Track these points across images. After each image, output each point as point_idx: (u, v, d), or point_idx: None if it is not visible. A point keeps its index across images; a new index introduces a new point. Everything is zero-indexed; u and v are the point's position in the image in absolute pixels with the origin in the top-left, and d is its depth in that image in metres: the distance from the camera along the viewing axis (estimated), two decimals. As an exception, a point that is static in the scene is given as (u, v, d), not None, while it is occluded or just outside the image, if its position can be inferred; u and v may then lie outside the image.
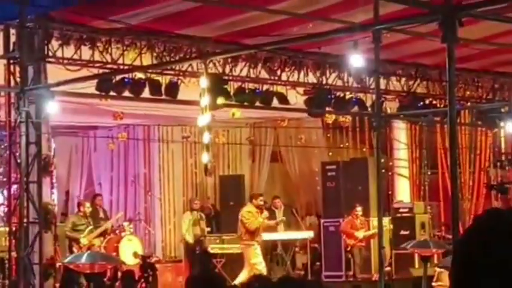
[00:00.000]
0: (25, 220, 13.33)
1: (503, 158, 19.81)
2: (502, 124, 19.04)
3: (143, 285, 13.79)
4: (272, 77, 16.45)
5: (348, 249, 19.96)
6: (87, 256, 11.75)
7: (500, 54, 17.10)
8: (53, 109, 13.30)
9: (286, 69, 16.61)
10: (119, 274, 17.13)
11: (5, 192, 15.30)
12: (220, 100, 13.97)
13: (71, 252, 17.09)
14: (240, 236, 19.04)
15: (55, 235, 14.74)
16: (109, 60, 14.44)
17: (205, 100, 12.98)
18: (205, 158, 13.93)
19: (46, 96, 13.05)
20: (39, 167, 13.50)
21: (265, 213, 19.28)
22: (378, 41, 12.13)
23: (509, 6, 9.87)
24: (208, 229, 21.19)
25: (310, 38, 13.44)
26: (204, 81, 13.17)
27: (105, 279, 13.66)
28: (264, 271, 18.65)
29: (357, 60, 14.02)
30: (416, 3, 9.48)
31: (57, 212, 20.49)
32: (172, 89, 15.00)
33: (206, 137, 13.65)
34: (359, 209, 19.69)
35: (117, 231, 19.24)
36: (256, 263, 18.78)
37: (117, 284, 12.76)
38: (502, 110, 18.85)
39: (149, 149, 22.64)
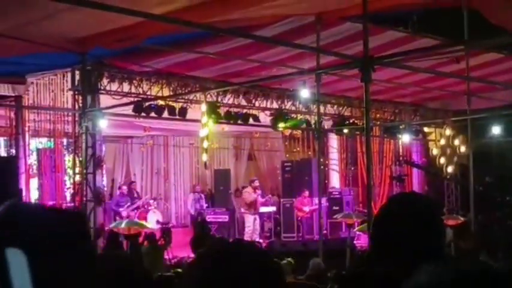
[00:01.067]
0: (84, 199, 13.29)
1: (400, 158, 19.90)
2: (400, 136, 19.12)
3: (162, 242, 13.69)
4: (249, 104, 16.42)
5: (299, 218, 19.97)
6: (126, 223, 11.69)
7: (399, 90, 17.18)
8: (103, 125, 13.24)
9: (259, 99, 16.59)
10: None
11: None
12: (214, 120, 13.94)
13: (115, 220, 17.03)
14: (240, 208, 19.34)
15: (104, 209, 14.65)
16: (141, 92, 14.38)
17: (204, 119, 12.96)
18: (204, 157, 13.94)
19: (99, 116, 13.02)
20: (94, 163, 13.43)
21: (259, 191, 19.48)
22: (319, 80, 12.18)
23: (406, 59, 9.96)
24: (206, 205, 21.15)
25: (273, 78, 13.44)
26: (203, 107, 13.16)
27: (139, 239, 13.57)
28: (249, 234, 18.80)
29: (304, 93, 14.10)
30: (344, 56, 9.50)
31: (106, 193, 20.46)
32: (183, 112, 14.94)
33: (205, 144, 13.67)
34: (307, 193, 19.72)
35: (145, 206, 19.16)
36: (246, 227, 19.02)
37: (145, 242, 12.66)
38: (400, 127, 18.93)
39: (167, 151, 22.59)
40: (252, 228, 19.25)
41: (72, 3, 6.09)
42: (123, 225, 11.24)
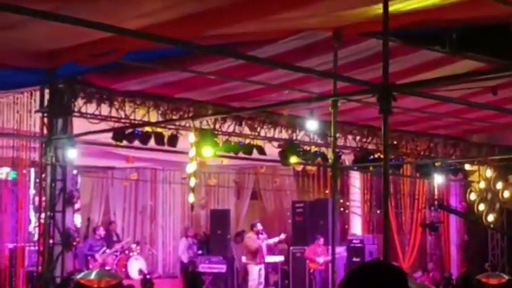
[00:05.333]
0: (51, 241, 13.31)
1: (435, 202, 19.84)
2: (435, 175, 19.07)
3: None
4: (253, 133, 16.44)
5: (311, 271, 19.92)
6: (96, 274, 11.67)
7: (433, 120, 17.18)
8: (72, 155, 13.23)
9: (264, 127, 16.61)
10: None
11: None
12: (208, 152, 13.95)
13: (88, 268, 17.03)
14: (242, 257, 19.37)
15: (74, 254, 14.67)
16: (123, 116, 14.42)
17: (193, 152, 13.01)
18: (191, 198, 13.97)
19: (69, 144, 13.07)
20: (64, 199, 13.46)
21: (265, 235, 19.49)
22: (336, 107, 12.24)
23: (435, 85, 10.00)
24: (200, 252, 21.14)
25: (281, 105, 13.51)
26: (192, 137, 13.20)
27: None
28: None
29: (312, 125, 14.13)
30: (360, 83, 9.56)
31: (81, 235, 20.52)
32: (173, 141, 14.96)
33: (192, 182, 13.71)
34: (321, 240, 19.69)
35: (126, 252, 19.17)
36: (250, 281, 18.99)
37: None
38: (436, 164, 18.90)
39: (155, 187, 22.65)
40: (256, 282, 19.24)
41: (26, 14, 6.16)
42: (92, 276, 11.22)
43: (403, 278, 2.45)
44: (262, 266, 19.52)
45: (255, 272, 19.33)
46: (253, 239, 19.49)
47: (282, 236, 20.24)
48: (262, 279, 19.60)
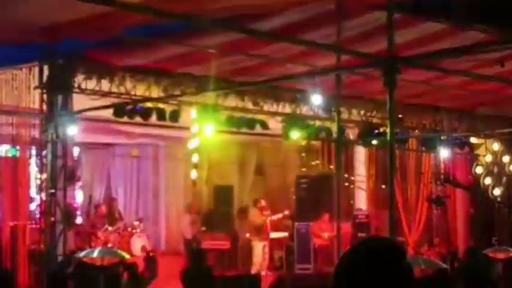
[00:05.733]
0: (52, 219, 13.36)
1: (441, 177, 19.84)
2: (441, 149, 19.05)
3: (146, 274, 13.75)
4: (256, 108, 16.42)
5: (316, 247, 19.99)
6: (98, 252, 11.74)
7: (439, 93, 17.14)
8: (73, 132, 13.26)
9: (268, 101, 16.56)
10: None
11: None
12: (210, 130, 13.95)
13: (90, 246, 17.11)
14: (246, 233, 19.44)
15: (77, 232, 14.74)
16: (124, 92, 14.41)
17: (195, 128, 13.01)
18: (193, 174, 14.01)
19: (70, 121, 13.09)
20: (65, 176, 13.51)
21: (269, 211, 19.55)
22: (340, 80, 12.21)
23: (441, 58, 9.97)
24: (204, 228, 21.21)
25: (285, 79, 13.49)
26: (194, 113, 13.20)
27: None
28: (258, 267, 18.84)
29: (316, 99, 14.13)
30: (365, 56, 9.54)
31: (82, 212, 20.60)
32: (175, 116, 14.97)
33: (195, 158, 13.74)
34: (326, 216, 19.73)
35: (129, 229, 19.25)
36: (254, 257, 19.06)
37: (125, 274, 12.72)
38: (442, 137, 18.88)
39: (157, 163, 22.69)
40: (261, 258, 19.32)
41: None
42: (95, 254, 11.29)
43: (401, 253, 2.51)
44: (266, 242, 19.58)
45: (259, 249, 19.41)
46: (257, 215, 19.55)
47: (286, 212, 20.28)
48: (267, 256, 19.68)
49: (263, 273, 18.49)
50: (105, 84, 14.14)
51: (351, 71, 11.92)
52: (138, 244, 18.75)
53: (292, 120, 16.52)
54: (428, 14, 12.48)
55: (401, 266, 2.49)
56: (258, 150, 23.73)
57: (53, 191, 13.33)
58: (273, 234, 20.41)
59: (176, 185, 22.94)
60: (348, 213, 20.85)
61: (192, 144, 13.60)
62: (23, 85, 13.96)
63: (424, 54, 9.34)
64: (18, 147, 15.52)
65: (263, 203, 19.93)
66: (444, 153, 19.23)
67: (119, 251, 13.84)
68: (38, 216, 14.61)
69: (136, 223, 19.68)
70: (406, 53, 10.21)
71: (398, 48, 8.95)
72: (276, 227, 20.89)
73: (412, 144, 20.01)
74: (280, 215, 20.20)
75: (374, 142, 18.56)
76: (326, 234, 19.61)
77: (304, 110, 17.10)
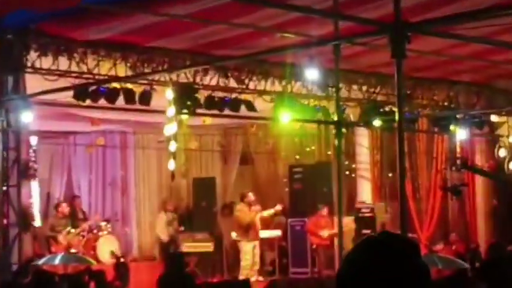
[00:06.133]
0: (5, 222, 13.32)
1: (457, 161, 19.88)
2: (456, 129, 19.06)
3: (116, 283, 13.75)
4: (240, 86, 16.43)
5: (313, 247, 20.02)
6: (60, 258, 11.72)
7: (453, 64, 17.16)
8: (28, 118, 13.18)
9: (254, 79, 16.58)
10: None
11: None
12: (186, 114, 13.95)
13: (50, 252, 17.06)
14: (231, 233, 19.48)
15: (34, 235, 14.70)
16: (85, 70, 14.37)
17: (171, 111, 12.98)
18: (171, 164, 13.99)
19: (23, 106, 13.02)
20: (19, 171, 13.47)
21: (258, 207, 19.54)
22: (338, 52, 12.20)
23: (456, 23, 9.95)
24: (182, 228, 21.22)
25: (273, 52, 13.46)
26: (170, 93, 13.16)
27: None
28: (247, 271, 18.85)
29: (312, 73, 14.09)
30: (368, 22, 9.52)
31: (40, 214, 20.53)
32: (146, 98, 14.96)
33: (172, 146, 13.73)
34: (325, 210, 19.74)
35: (94, 231, 19.21)
36: (242, 260, 19.06)
37: (91, 284, 12.72)
38: (457, 116, 18.90)
39: (125, 153, 22.66)
40: (250, 262, 19.32)
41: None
42: (56, 261, 11.27)
43: (415, 252, 2.47)
44: (256, 242, 19.59)
45: (248, 250, 19.41)
46: (245, 212, 19.54)
47: (278, 207, 20.28)
48: (257, 258, 19.68)
49: (253, 278, 18.51)
50: (63, 62, 14.11)
51: (351, 40, 11.88)
52: (106, 248, 18.71)
53: (283, 100, 16.48)
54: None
55: (416, 266, 2.45)
56: (243, 136, 23.72)
57: (4, 188, 13.27)
58: (264, 233, 20.42)
59: (149, 178, 22.93)
60: (350, 207, 20.88)
61: (168, 130, 13.55)
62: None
63: (436, 19, 9.31)
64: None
65: (251, 197, 19.92)
66: (460, 134, 19.24)
67: (84, 257, 13.85)
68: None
69: (103, 224, 19.62)
70: (415, 18, 10.20)
71: (406, 12, 8.94)
72: (267, 224, 20.91)
73: (423, 125, 20.03)
74: (271, 211, 20.20)
75: (378, 123, 18.55)
76: (325, 232, 19.63)
77: (296, 87, 17.10)
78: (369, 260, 2.43)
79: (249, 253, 19.41)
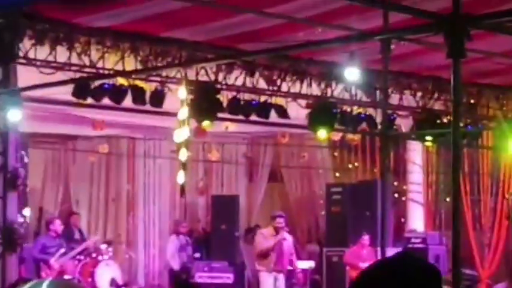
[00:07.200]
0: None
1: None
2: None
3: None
4: (271, 88, 16.43)
5: (353, 281, 19.97)
6: (49, 285, 11.73)
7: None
8: (15, 117, 13.16)
9: (287, 79, 16.59)
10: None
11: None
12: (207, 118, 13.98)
13: (39, 277, 17.13)
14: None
15: (21, 257, 14.76)
16: (87, 64, 14.42)
17: (184, 113, 12.99)
18: (181, 177, 14.00)
19: (12, 102, 13.05)
20: (4, 181, 13.53)
21: (284, 235, 19.42)
22: (388, 50, 12.20)
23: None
24: (197, 255, 21.24)
25: (310, 46, 13.47)
26: (182, 92, 13.18)
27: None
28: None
29: (352, 74, 13.99)
30: (422, 14, 9.50)
31: (30, 231, 20.63)
32: (158, 98, 14.99)
33: (183, 154, 13.74)
34: (366, 238, 19.70)
35: (93, 255, 19.26)
36: None
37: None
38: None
39: (133, 163, 22.71)
40: None
41: None
42: (43, 287, 11.28)
43: (437, 278, 2.60)
44: (280, 274, 19.41)
45: (268, 283, 19.25)
46: (264, 236, 19.35)
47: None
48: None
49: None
50: (62, 53, 14.16)
51: (402, 35, 11.88)
52: (106, 276, 18.77)
53: (322, 106, 16.49)
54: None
55: None
56: (273, 147, 23.76)
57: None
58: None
59: (160, 194, 23.01)
60: (398, 236, 20.86)
61: (179, 135, 13.55)
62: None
63: (503, 12, 9.28)
64: None
65: (281, 221, 19.79)
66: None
67: (76, 284, 13.84)
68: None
69: (103, 247, 19.68)
70: (480, 12, 10.20)
71: (468, 5, 8.94)
72: (298, 254, 20.90)
73: (488, 140, 19.95)
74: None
75: (434, 137, 18.51)
76: (367, 265, 19.59)
77: (337, 91, 17.10)
78: (384, 279, 2.60)
79: (269, 286, 19.26)
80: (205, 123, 15.30)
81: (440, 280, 2.52)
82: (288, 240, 19.35)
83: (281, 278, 19.39)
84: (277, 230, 19.41)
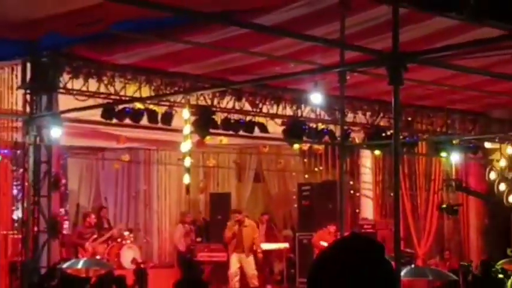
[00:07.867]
0: (36, 229, 13.31)
1: (453, 183, 19.75)
2: (452, 154, 18.94)
3: (135, 287, 13.70)
4: (254, 109, 16.39)
5: (318, 259, 19.88)
6: (83, 262, 11.66)
7: (451, 93, 17.07)
8: (56, 134, 13.14)
9: (267, 103, 16.55)
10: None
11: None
12: (206, 133, 13.92)
13: (77, 257, 17.03)
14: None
15: (62, 242, 14.66)
16: (113, 92, 14.36)
17: (188, 129, 12.96)
18: (186, 179, 13.97)
19: (54, 122, 13.01)
20: (49, 183, 13.46)
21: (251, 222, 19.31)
22: (344, 80, 12.16)
23: (455, 55, 9.92)
24: (199, 239, 21.15)
25: (284, 77, 13.46)
26: (186, 113, 13.15)
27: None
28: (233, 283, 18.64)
29: (316, 98, 14.05)
30: (369, 51, 9.49)
31: (70, 222, 20.56)
32: (167, 118, 14.94)
33: (187, 162, 13.73)
34: (333, 227, 19.54)
35: (118, 240, 19.17)
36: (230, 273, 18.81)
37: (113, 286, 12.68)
38: (454, 141, 18.77)
39: (149, 169, 22.65)
40: (235, 271, 18.96)
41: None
42: (80, 265, 11.21)
43: (380, 249, 2.49)
44: (242, 254, 19.04)
45: (233, 261, 19.02)
46: (228, 227, 19.20)
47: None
48: (251, 270, 19.13)
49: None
50: (93, 84, 14.12)
51: (355, 68, 11.86)
52: (128, 256, 18.65)
53: (294, 123, 16.45)
54: (437, 9, 12.40)
55: (379, 265, 2.46)
56: (257, 155, 23.71)
57: (35, 199, 13.27)
58: (273, 246, 20.36)
59: (169, 192, 22.92)
60: (354, 223, 20.80)
61: (184, 146, 13.55)
62: (5, 85, 13.92)
63: (432, 49, 9.28)
64: (-1, 152, 15.47)
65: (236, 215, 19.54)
66: (456, 158, 19.11)
67: (105, 262, 13.78)
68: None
69: (126, 233, 19.59)
70: (413, 49, 10.16)
71: (405, 45, 8.91)
72: (276, 238, 20.85)
73: (422, 149, 19.94)
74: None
75: (380, 146, 18.46)
76: (326, 243, 19.50)
77: (306, 112, 17.06)
78: (335, 258, 2.45)
79: (234, 264, 19.06)
80: (205, 137, 15.25)
81: (383, 250, 2.48)
82: (249, 227, 19.16)
83: (243, 256, 19.14)
84: (238, 222, 19.18)
